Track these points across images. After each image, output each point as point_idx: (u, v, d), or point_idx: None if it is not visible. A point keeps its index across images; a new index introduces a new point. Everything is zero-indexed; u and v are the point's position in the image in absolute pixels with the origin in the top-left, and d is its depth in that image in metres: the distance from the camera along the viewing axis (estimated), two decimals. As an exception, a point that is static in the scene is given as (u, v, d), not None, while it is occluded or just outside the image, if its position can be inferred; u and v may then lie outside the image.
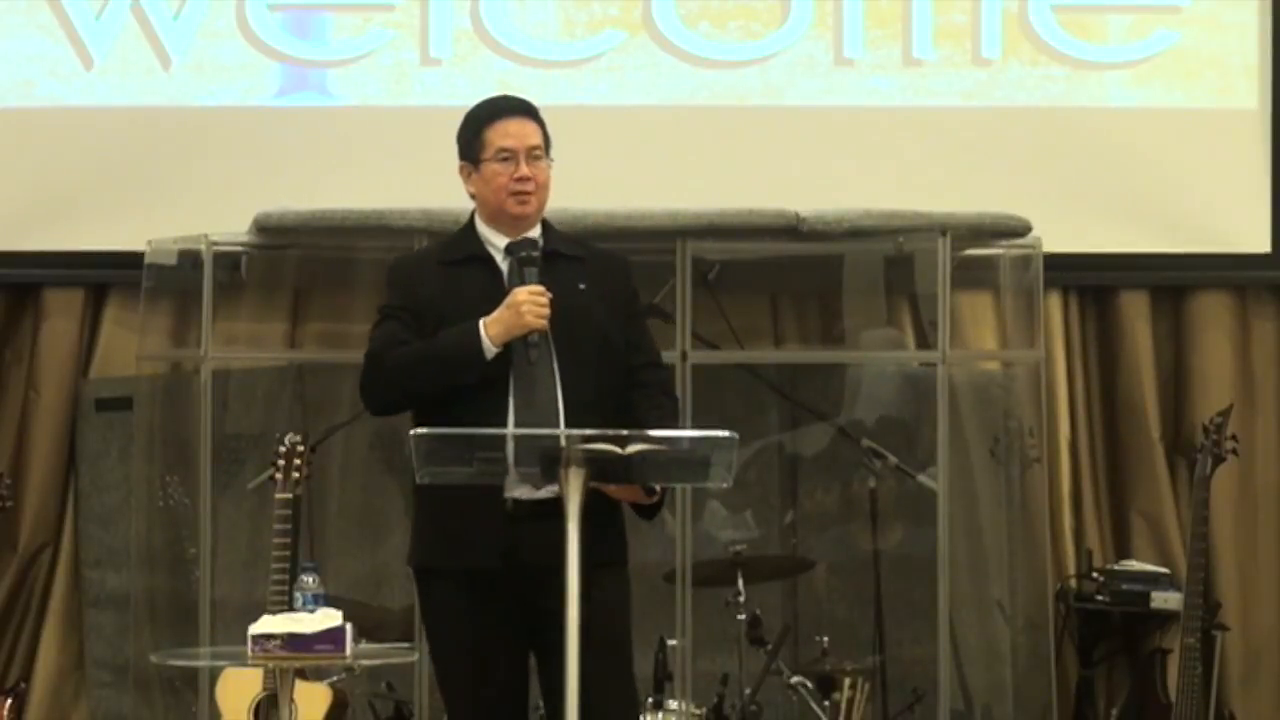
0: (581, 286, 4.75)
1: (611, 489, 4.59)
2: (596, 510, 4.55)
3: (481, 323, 4.62)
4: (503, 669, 4.73)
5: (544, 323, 4.61)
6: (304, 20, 7.10)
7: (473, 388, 4.64)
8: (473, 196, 4.82)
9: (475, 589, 4.69)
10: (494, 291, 4.70)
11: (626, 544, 4.89)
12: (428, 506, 4.76)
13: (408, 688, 6.41)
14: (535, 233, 4.79)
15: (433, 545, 4.79)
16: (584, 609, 4.45)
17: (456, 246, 4.83)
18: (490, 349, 4.62)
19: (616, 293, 4.82)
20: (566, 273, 4.74)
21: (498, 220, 4.77)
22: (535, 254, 4.72)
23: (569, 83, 7.03)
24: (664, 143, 7.00)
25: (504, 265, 4.75)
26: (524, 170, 4.73)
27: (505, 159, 4.74)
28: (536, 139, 4.76)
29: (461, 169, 4.82)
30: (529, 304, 4.60)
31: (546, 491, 4.53)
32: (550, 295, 4.63)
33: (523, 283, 4.66)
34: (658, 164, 6.94)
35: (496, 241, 4.76)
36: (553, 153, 4.83)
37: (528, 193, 4.73)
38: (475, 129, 4.79)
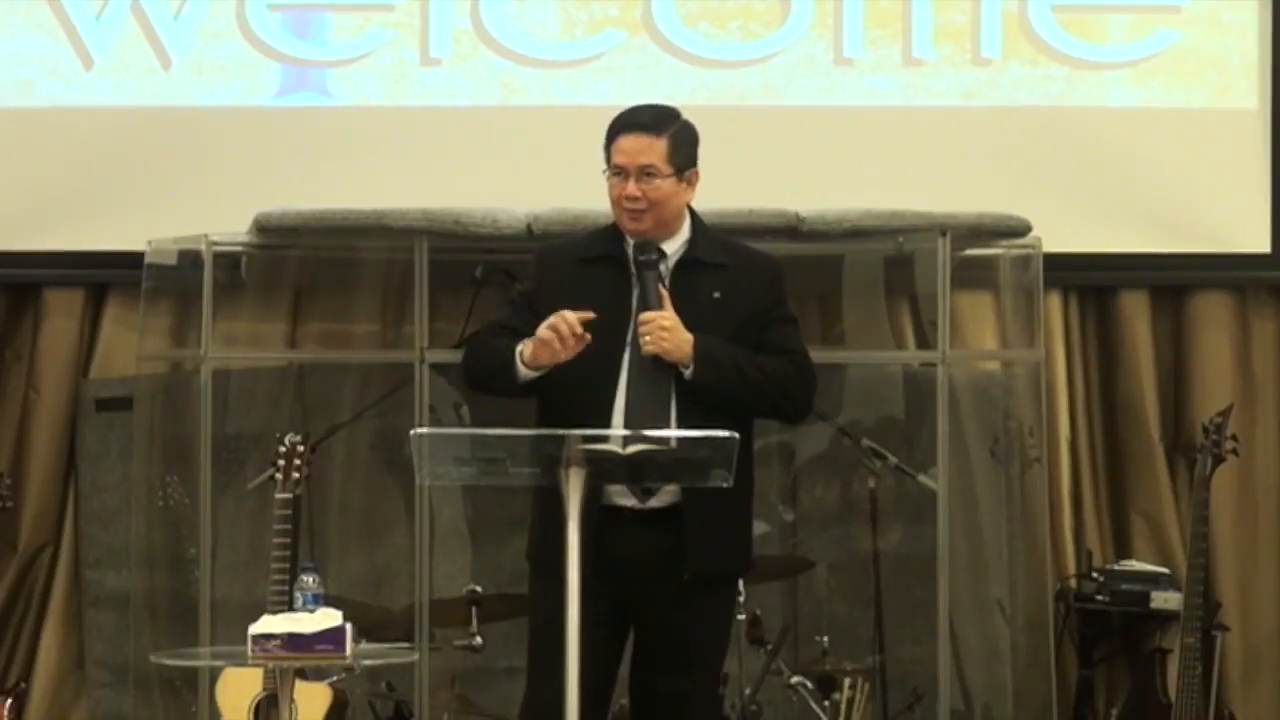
0: (716, 295, 4.76)
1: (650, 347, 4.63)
2: (723, 518, 4.65)
3: (519, 348, 4.69)
4: (588, 666, 4.70)
5: (567, 354, 4.62)
6: (304, 20, 7.10)
7: (584, 392, 4.69)
8: None
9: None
10: (621, 292, 4.75)
11: (750, 559, 4.93)
12: (542, 502, 4.80)
13: (408, 688, 6.40)
14: (679, 239, 4.80)
15: (539, 542, 4.85)
16: (694, 620, 4.65)
17: (596, 243, 4.87)
18: (525, 373, 4.70)
19: (756, 299, 4.83)
20: (702, 282, 4.77)
21: (620, 227, 4.83)
22: (653, 256, 4.74)
23: (569, 83, 7.03)
24: (664, 143, 6.99)
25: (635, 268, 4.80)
26: (631, 189, 4.74)
27: (616, 174, 4.77)
28: (650, 157, 4.75)
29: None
30: (554, 337, 4.61)
31: (657, 501, 4.63)
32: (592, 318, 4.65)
33: (644, 289, 4.70)
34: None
35: (631, 244, 4.81)
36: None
37: (638, 210, 4.75)
38: (606, 140, 4.82)
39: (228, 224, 6.61)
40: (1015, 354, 7.02)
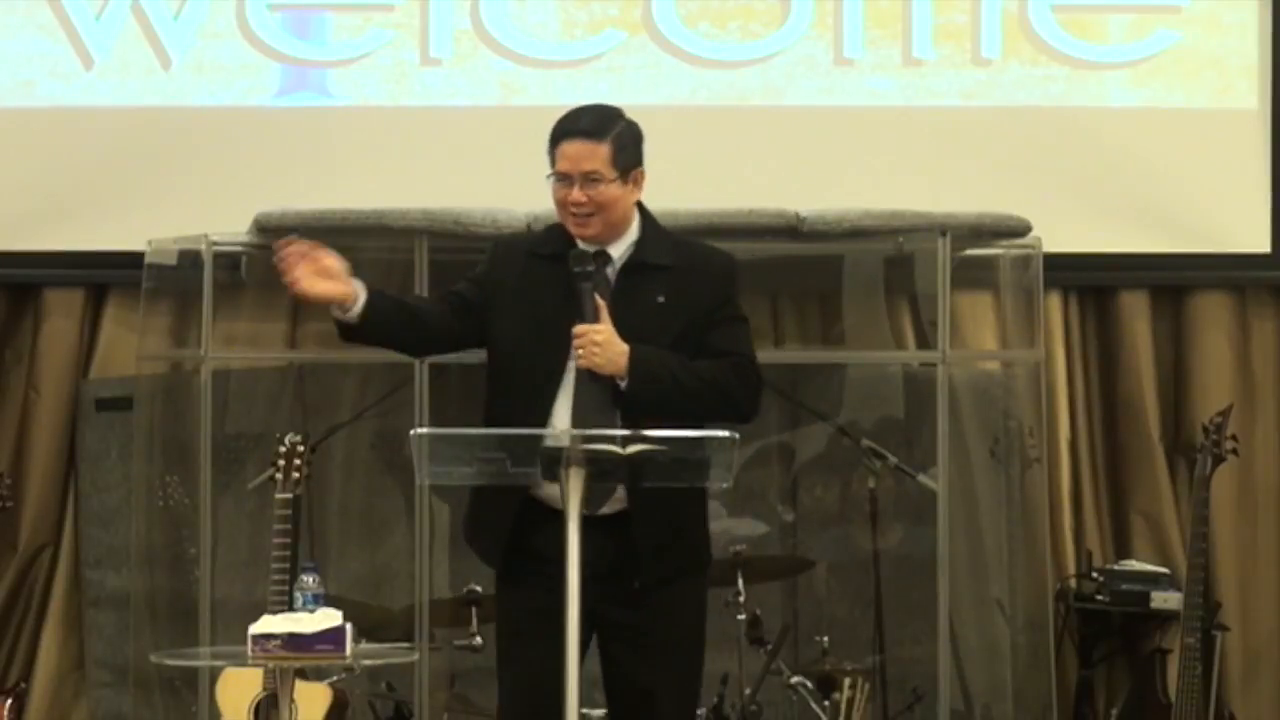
0: (660, 299, 4.72)
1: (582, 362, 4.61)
2: (675, 521, 4.65)
3: None
4: (550, 663, 4.72)
5: (303, 278, 4.68)
6: (304, 20, 7.10)
7: (525, 391, 4.68)
8: None
9: (540, 594, 4.70)
10: (567, 292, 4.70)
11: (710, 552, 4.91)
12: (478, 499, 4.82)
13: (408, 688, 6.41)
14: (626, 241, 4.76)
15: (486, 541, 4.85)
16: (654, 619, 4.62)
17: (548, 240, 4.84)
18: (337, 315, 4.72)
19: (703, 300, 4.77)
20: (647, 285, 4.72)
21: (568, 231, 4.79)
22: (588, 268, 4.70)
23: (569, 83, 7.02)
24: (664, 143, 6.95)
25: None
26: (575, 195, 4.70)
27: (561, 181, 4.74)
28: (594, 163, 4.71)
29: None
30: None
31: (608, 508, 4.60)
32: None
33: (579, 301, 4.66)
34: (658, 164, 6.90)
35: (583, 247, 4.77)
36: (606, 166, 4.76)
37: (585, 215, 4.72)
38: (549, 144, 4.79)
39: (228, 224, 6.61)
40: (1015, 354, 7.02)
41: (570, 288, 4.70)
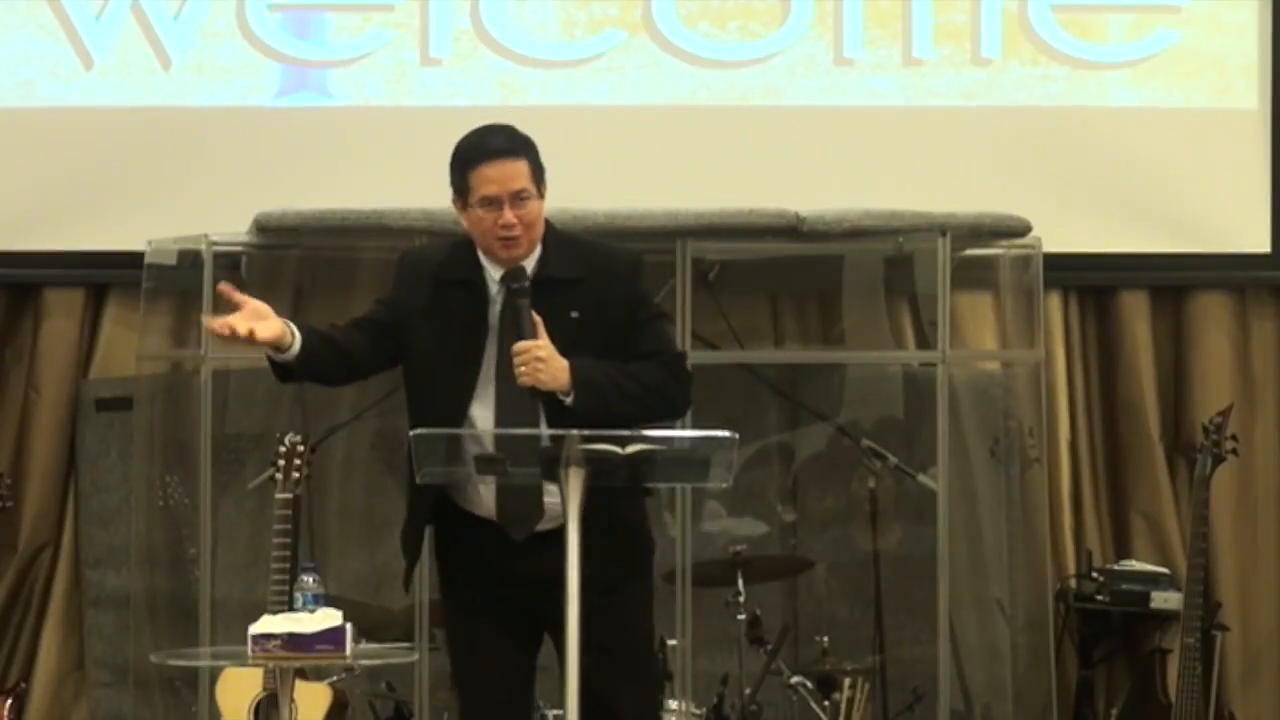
0: (574, 314, 4.66)
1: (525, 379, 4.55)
2: (616, 529, 4.63)
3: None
4: (508, 669, 4.74)
5: (243, 329, 4.52)
6: (304, 20, 7.10)
7: (440, 415, 4.64)
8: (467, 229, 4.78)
9: (484, 595, 4.74)
10: (479, 315, 4.68)
11: (651, 553, 4.90)
12: (424, 514, 4.81)
13: (408, 688, 6.41)
14: (533, 257, 4.70)
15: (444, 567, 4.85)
16: (606, 626, 4.56)
17: (453, 266, 4.76)
18: (275, 357, 4.61)
19: (616, 307, 4.72)
20: (559, 302, 4.66)
21: (490, 255, 4.72)
22: (525, 284, 4.64)
23: (569, 83, 7.03)
24: (664, 143, 7.00)
25: (495, 292, 4.70)
26: (507, 217, 4.63)
27: (488, 205, 4.65)
28: (521, 181, 4.64)
29: (454, 201, 4.74)
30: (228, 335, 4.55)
31: (549, 524, 4.58)
32: None
33: (516, 320, 4.61)
34: (658, 164, 6.94)
35: (491, 270, 4.71)
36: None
37: (514, 236, 4.65)
38: (461, 170, 4.69)
39: (228, 224, 6.61)
40: (1015, 354, 7.02)
41: (477, 313, 4.66)
